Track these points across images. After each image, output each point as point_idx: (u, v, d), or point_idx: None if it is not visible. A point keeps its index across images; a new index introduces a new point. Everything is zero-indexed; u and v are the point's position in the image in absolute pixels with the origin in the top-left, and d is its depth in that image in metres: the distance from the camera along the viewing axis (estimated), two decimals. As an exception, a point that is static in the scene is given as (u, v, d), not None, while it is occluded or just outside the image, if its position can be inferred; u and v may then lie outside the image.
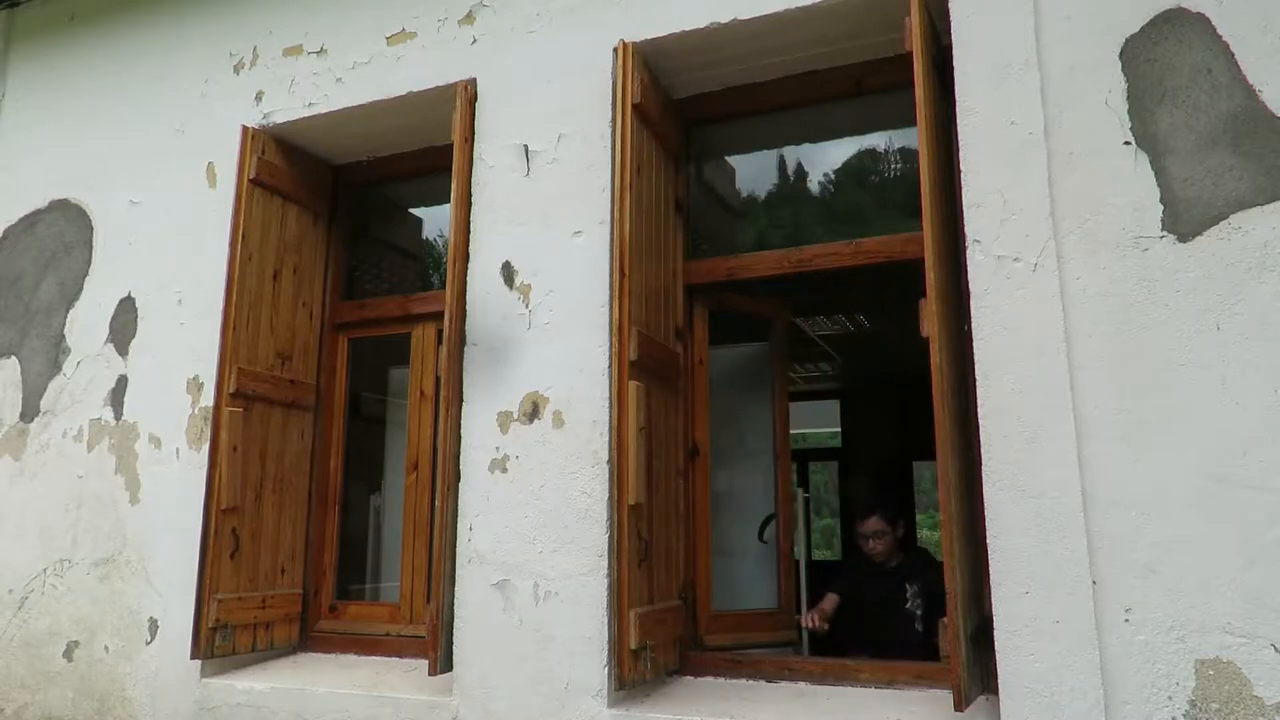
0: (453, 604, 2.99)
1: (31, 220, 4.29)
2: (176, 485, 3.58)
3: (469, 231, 3.23)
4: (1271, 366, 2.22)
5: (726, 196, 3.61)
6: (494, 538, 2.98)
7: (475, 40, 3.40)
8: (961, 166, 2.59)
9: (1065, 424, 2.35)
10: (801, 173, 3.51)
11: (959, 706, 2.26)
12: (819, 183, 3.49)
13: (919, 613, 4.14)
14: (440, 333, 3.24)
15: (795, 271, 3.17)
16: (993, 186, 2.53)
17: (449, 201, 3.24)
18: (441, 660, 2.92)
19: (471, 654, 2.94)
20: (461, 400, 3.11)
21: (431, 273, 4.28)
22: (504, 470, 3.02)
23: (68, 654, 3.67)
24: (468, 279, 3.19)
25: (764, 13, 2.92)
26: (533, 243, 3.13)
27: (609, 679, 2.72)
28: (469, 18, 3.43)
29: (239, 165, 3.59)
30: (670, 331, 3.17)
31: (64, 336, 4.04)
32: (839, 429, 9.47)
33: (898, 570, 4.32)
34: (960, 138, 2.60)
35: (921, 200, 2.43)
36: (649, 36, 3.06)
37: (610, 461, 2.80)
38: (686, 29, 3.02)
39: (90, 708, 3.56)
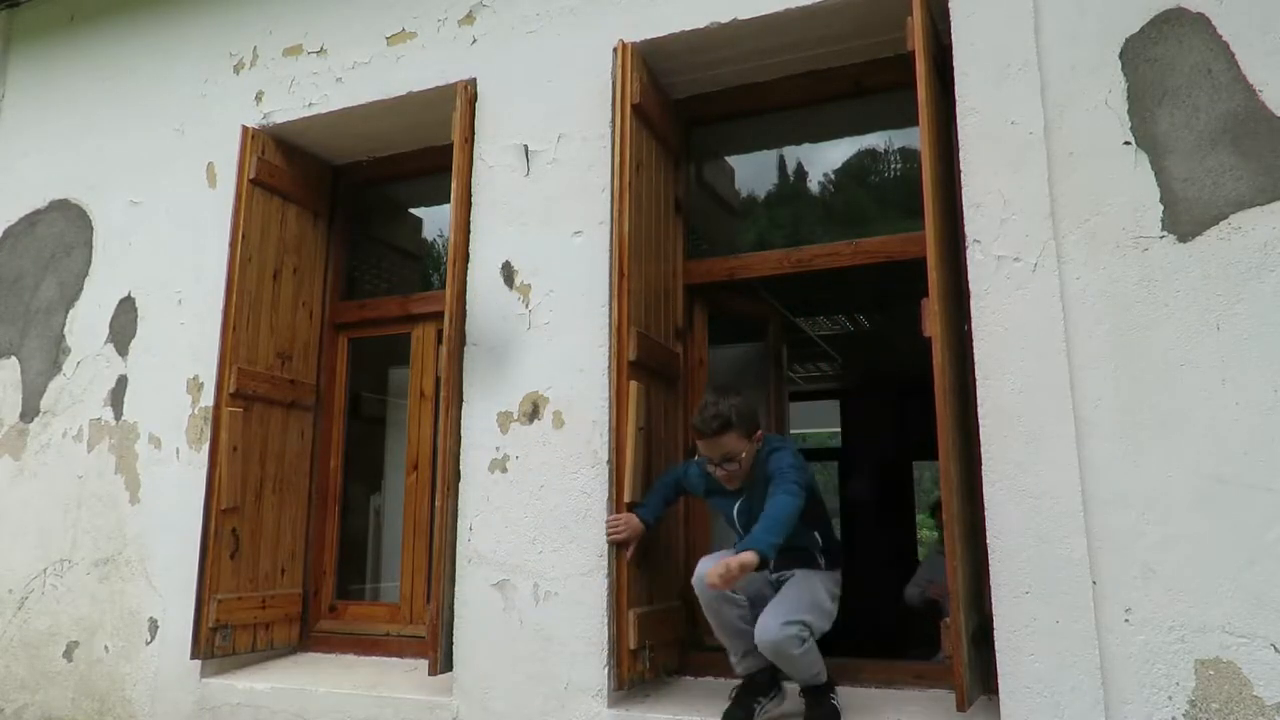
0: (453, 604, 2.99)
1: (31, 220, 4.29)
2: (176, 485, 3.58)
3: (469, 231, 3.23)
4: (1271, 366, 2.22)
5: (726, 196, 3.61)
6: (494, 538, 2.98)
7: (475, 40, 3.40)
8: (961, 166, 2.59)
9: (1065, 424, 2.35)
10: (801, 173, 3.51)
11: (961, 707, 2.25)
12: (819, 183, 3.49)
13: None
14: (440, 333, 3.24)
15: (795, 271, 3.17)
16: (993, 186, 2.53)
17: (449, 201, 3.24)
18: (441, 660, 2.92)
19: (471, 654, 2.94)
20: (461, 400, 3.11)
21: (431, 273, 4.28)
22: (504, 470, 3.01)
23: (68, 654, 3.67)
24: (468, 279, 3.19)
25: (764, 13, 2.92)
26: (533, 243, 3.13)
27: (609, 679, 2.72)
28: (469, 18, 3.43)
29: (239, 165, 3.59)
30: (670, 331, 3.17)
31: (64, 336, 4.04)
32: (839, 429, 9.46)
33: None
34: (960, 138, 2.60)
35: (923, 200, 2.43)
36: (649, 36, 3.06)
37: (610, 461, 2.80)
38: (686, 29, 3.02)
39: (90, 708, 3.56)
